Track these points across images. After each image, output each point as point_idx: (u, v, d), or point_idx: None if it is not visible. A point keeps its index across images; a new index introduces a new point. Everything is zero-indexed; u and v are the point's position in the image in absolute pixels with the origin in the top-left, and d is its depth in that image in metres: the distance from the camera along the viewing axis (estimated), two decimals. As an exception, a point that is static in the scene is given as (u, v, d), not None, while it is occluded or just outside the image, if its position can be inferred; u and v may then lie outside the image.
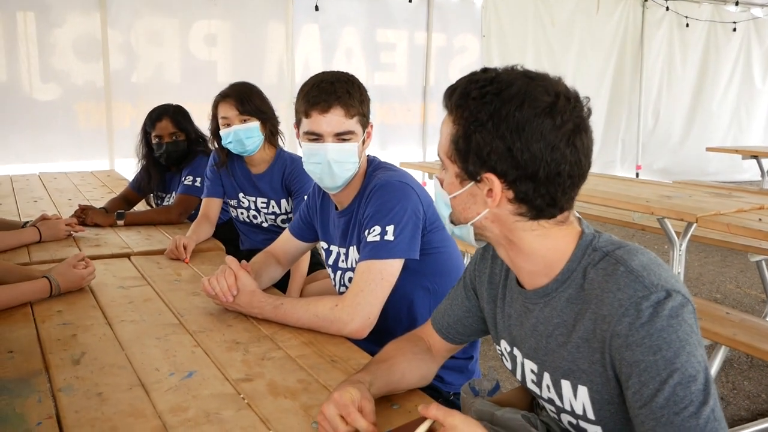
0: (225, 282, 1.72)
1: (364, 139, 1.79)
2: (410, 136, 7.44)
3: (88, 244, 2.53)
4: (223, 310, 1.78)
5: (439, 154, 1.13)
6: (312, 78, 1.77)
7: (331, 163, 1.72)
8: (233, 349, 1.54)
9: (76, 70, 5.85)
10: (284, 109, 2.73)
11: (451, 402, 1.75)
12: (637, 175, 8.71)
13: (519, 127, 0.99)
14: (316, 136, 1.73)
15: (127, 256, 2.39)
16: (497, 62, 1.11)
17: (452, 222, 1.15)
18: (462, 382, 1.51)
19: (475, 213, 1.09)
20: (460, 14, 7.63)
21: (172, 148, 3.08)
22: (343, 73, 1.78)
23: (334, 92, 1.70)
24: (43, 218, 2.62)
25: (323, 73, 1.78)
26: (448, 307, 1.37)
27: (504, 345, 1.24)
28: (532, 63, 1.07)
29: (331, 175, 1.75)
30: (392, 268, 1.66)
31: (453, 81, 1.10)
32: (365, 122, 1.78)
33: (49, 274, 1.88)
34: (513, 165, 1.01)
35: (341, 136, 1.72)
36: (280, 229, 2.51)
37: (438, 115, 6.68)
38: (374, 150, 1.91)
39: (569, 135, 1.01)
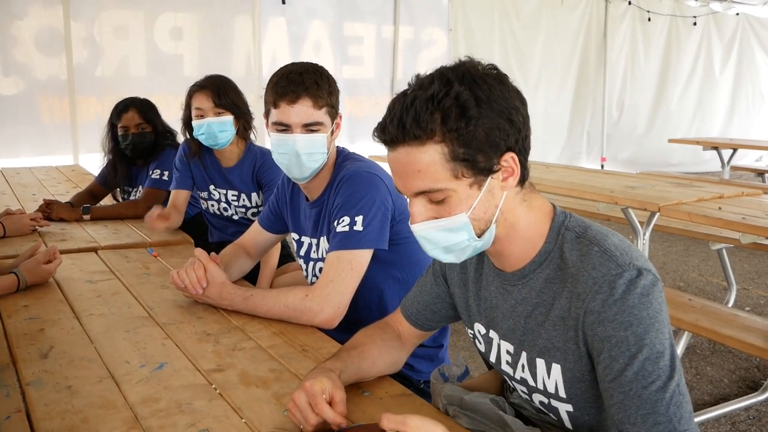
0: (194, 274, 1.71)
1: (332, 130, 1.79)
2: (379, 129, 7.44)
3: (54, 238, 2.50)
4: (193, 303, 1.78)
5: (431, 192, 1.05)
6: (281, 69, 1.77)
7: (300, 153, 1.72)
8: (204, 341, 1.54)
9: (38, 64, 5.73)
10: (251, 103, 2.73)
11: (422, 390, 1.77)
12: (602, 166, 8.84)
13: (501, 98, 1.03)
14: (284, 127, 1.73)
15: (94, 250, 2.36)
16: (465, 56, 1.11)
17: (477, 236, 1.08)
18: (432, 371, 1.53)
19: (494, 208, 1.08)
20: (427, 8, 7.66)
21: (139, 139, 3.04)
22: (311, 64, 1.78)
23: (302, 83, 1.70)
24: (7, 213, 2.57)
25: (292, 64, 1.78)
26: (417, 294, 1.39)
27: (478, 328, 1.26)
28: (498, 56, 1.11)
29: (299, 166, 1.75)
30: (361, 258, 1.68)
31: (421, 74, 1.06)
32: (334, 113, 1.79)
33: (17, 269, 1.86)
34: (517, 131, 1.05)
35: (309, 127, 1.73)
36: (251, 222, 2.50)
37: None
38: (343, 144, 1.92)
39: (517, 90, 1.08)
